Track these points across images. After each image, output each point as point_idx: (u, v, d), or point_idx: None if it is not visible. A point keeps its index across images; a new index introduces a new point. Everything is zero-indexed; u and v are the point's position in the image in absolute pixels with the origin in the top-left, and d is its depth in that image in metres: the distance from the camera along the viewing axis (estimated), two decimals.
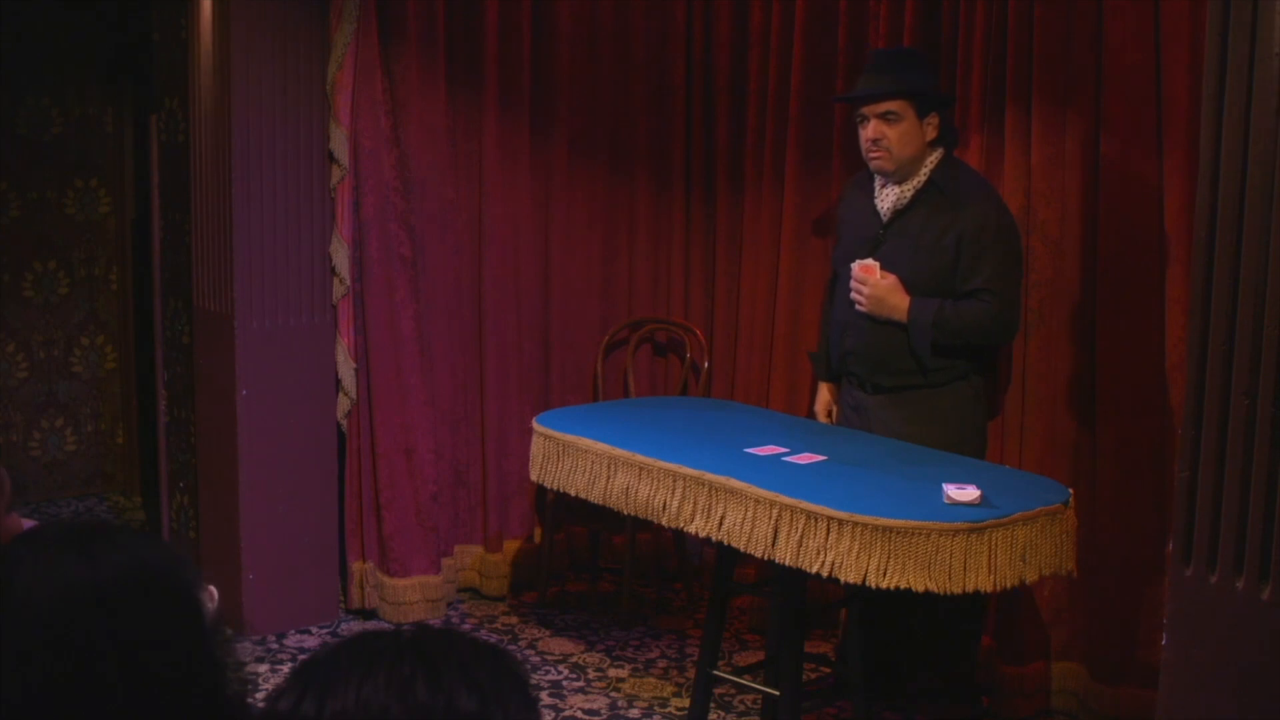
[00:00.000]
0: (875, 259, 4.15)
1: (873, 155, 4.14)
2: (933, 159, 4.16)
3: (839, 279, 4.34)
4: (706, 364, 5.48)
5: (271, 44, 4.77)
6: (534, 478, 4.36)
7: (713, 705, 4.27)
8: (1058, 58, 4.22)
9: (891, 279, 4.12)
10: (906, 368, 4.14)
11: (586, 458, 4.10)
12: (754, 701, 4.42)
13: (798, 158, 5.07)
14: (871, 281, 4.12)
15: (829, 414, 4.54)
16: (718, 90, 5.47)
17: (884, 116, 4.09)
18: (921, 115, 4.10)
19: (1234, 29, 2.60)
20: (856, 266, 4.17)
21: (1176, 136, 4.01)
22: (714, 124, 5.52)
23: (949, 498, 3.46)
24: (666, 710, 4.45)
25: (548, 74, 5.35)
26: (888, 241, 4.18)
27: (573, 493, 4.18)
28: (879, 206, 4.22)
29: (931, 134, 4.13)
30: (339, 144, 4.90)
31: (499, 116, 5.25)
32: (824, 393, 4.57)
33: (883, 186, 4.22)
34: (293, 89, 4.82)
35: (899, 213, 4.17)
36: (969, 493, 3.46)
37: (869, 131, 4.13)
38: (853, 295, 4.18)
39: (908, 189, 4.16)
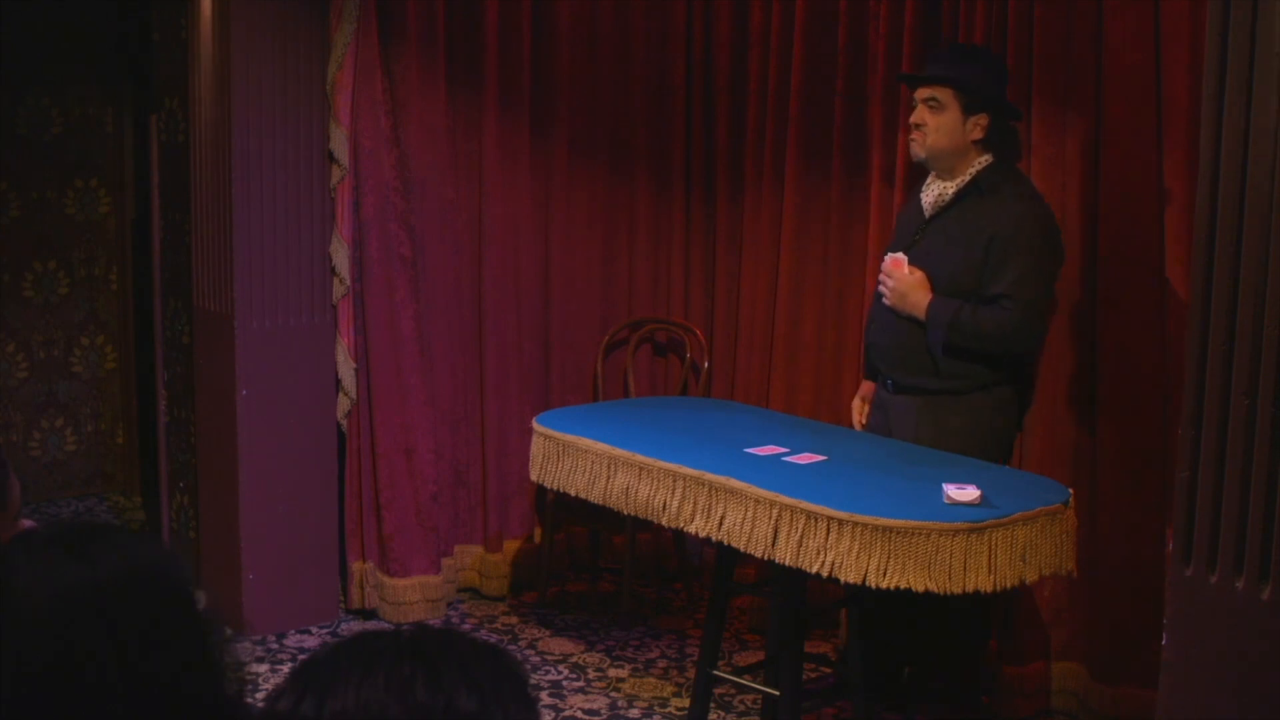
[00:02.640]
0: (911, 254, 4.12)
1: (910, 138, 4.15)
2: (981, 160, 4.10)
3: None
4: (706, 364, 5.48)
5: (271, 44, 4.76)
6: (534, 478, 4.36)
7: (713, 705, 4.27)
8: (1058, 58, 4.22)
9: (919, 275, 4.08)
10: (923, 367, 4.10)
11: (586, 458, 4.10)
12: (754, 701, 4.42)
13: (798, 158, 5.07)
14: (898, 275, 4.09)
15: (862, 411, 4.47)
16: (718, 90, 5.47)
17: (927, 103, 4.09)
18: (968, 112, 4.06)
19: (1234, 29, 2.60)
20: (887, 260, 4.16)
21: (1176, 136, 4.01)
22: (714, 124, 5.52)
23: (949, 498, 3.46)
24: (666, 710, 4.45)
25: (548, 74, 5.35)
26: (926, 237, 4.15)
27: (573, 493, 4.18)
28: (923, 202, 4.20)
29: (976, 134, 4.08)
30: (339, 144, 4.90)
31: (499, 116, 5.25)
32: (861, 389, 4.50)
33: (929, 184, 4.19)
34: (293, 89, 4.82)
35: (940, 210, 4.14)
36: (969, 493, 3.46)
37: (913, 116, 4.13)
38: (880, 288, 4.17)
39: (950, 186, 4.12)
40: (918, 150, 4.13)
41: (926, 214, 4.17)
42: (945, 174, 4.13)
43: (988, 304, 4.00)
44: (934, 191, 4.16)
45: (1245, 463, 2.61)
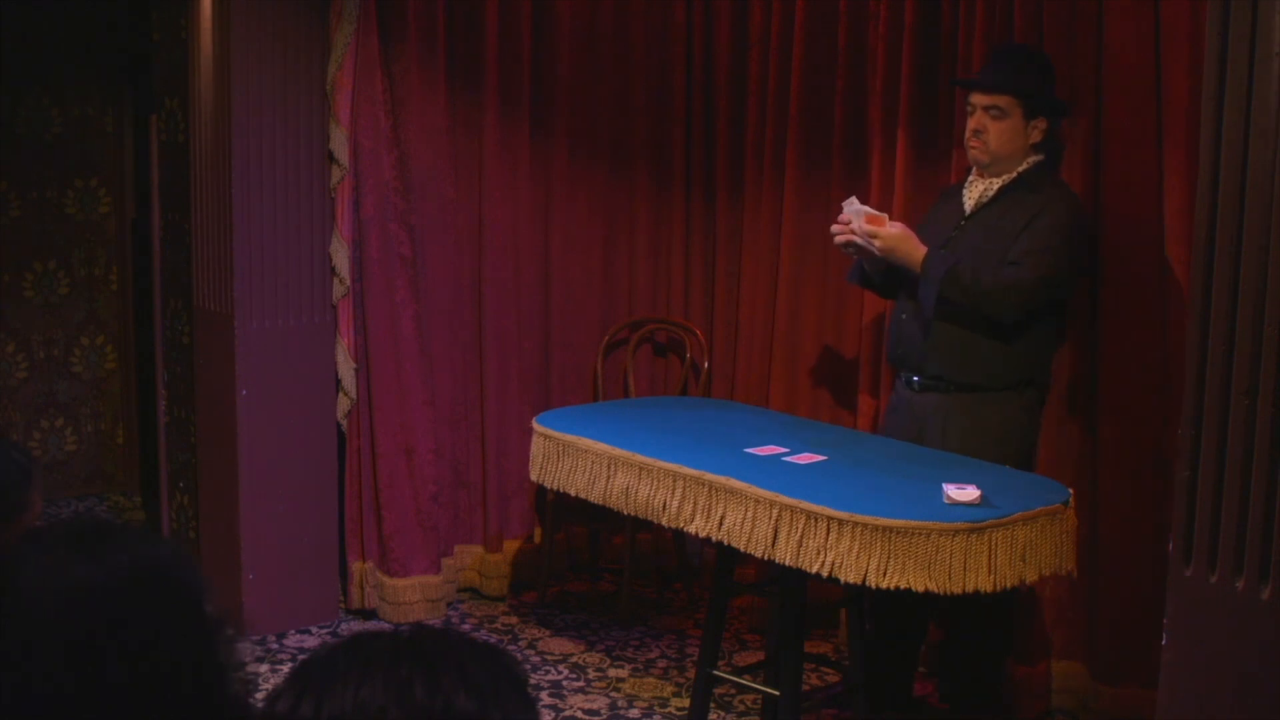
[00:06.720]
0: (949, 248, 4.07)
1: (971, 145, 4.11)
2: (1030, 160, 4.10)
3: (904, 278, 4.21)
4: (706, 364, 5.47)
5: (271, 44, 4.76)
6: (534, 478, 4.36)
7: (713, 705, 4.27)
8: (1058, 58, 4.22)
9: (902, 227, 4.05)
10: (967, 363, 4.04)
11: (586, 458, 4.09)
12: (754, 701, 4.41)
13: (798, 158, 5.07)
14: (883, 233, 4.05)
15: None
16: (718, 90, 5.47)
17: (989, 110, 4.05)
18: (1029, 117, 4.05)
19: (1234, 29, 2.60)
20: (863, 216, 4.06)
21: (1176, 136, 4.00)
22: (714, 124, 5.52)
23: (949, 498, 3.45)
24: (666, 710, 4.45)
25: (548, 74, 5.35)
26: (966, 232, 4.11)
27: (573, 493, 4.18)
28: (964, 198, 4.17)
29: (1036, 137, 4.08)
30: (339, 144, 4.90)
31: (499, 116, 5.25)
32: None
33: (972, 181, 4.17)
34: (293, 89, 4.82)
35: (982, 206, 4.12)
36: (969, 493, 3.46)
37: (972, 122, 4.09)
38: (868, 243, 4.04)
39: (996, 183, 4.11)
40: (981, 157, 4.09)
41: (967, 210, 4.15)
42: (995, 174, 4.12)
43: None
44: (978, 188, 4.15)
45: (1245, 463, 2.61)
